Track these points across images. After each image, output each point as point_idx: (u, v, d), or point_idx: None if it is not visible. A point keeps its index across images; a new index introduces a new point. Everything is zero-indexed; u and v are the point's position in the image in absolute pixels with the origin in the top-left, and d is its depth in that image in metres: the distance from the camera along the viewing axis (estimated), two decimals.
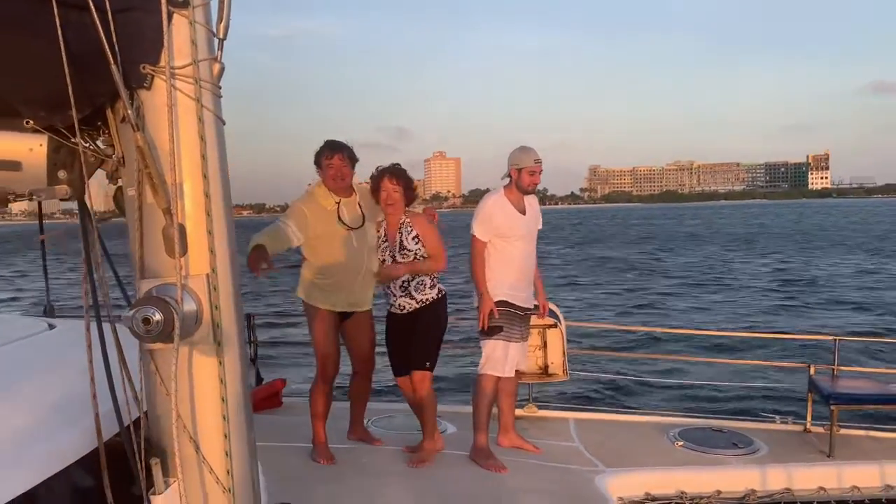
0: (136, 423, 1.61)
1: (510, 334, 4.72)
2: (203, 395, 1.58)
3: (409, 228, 4.49)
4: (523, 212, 4.78)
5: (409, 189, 4.50)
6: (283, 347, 9.74)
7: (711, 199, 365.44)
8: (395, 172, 4.50)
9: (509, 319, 4.70)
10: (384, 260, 4.49)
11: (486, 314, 4.63)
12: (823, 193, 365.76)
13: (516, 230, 4.72)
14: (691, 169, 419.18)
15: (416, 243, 4.46)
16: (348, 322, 4.56)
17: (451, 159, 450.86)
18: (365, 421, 4.96)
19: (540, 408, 5.90)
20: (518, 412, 5.80)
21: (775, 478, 4.58)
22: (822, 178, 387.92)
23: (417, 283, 4.47)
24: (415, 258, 4.44)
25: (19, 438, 1.61)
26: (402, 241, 4.46)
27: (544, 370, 5.75)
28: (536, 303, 4.99)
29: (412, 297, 4.48)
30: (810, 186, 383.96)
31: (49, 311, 4.64)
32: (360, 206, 4.53)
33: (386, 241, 4.51)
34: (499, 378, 4.74)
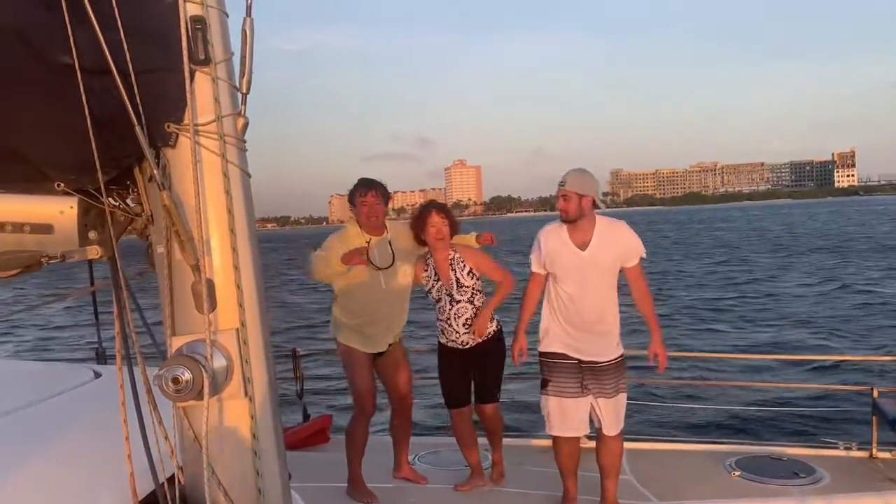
0: (171, 479, 1.60)
1: (561, 388, 4.11)
2: (236, 450, 1.57)
3: (462, 263, 4.43)
4: (583, 246, 4.07)
5: (454, 223, 4.51)
6: (330, 381, 9.76)
7: (735, 200, 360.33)
8: (441, 207, 4.51)
9: (561, 372, 4.11)
10: (439, 299, 4.43)
11: (514, 354, 4.28)
12: (850, 191, 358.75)
13: (564, 267, 4.10)
14: (715, 170, 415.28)
15: (472, 278, 4.41)
16: (383, 359, 4.55)
17: (472, 167, 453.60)
18: (410, 457, 4.92)
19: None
20: None
21: None
22: (848, 175, 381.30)
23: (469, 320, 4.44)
24: (472, 293, 4.41)
25: (56, 499, 1.61)
26: (457, 278, 4.41)
27: None
28: (622, 352, 4.22)
29: (470, 334, 4.43)
30: (836, 184, 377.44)
31: (100, 356, 4.76)
32: (391, 245, 4.49)
33: (438, 279, 4.44)
34: (567, 438, 4.14)
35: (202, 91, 1.51)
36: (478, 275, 4.45)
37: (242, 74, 1.57)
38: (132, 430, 1.57)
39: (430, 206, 4.51)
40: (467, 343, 4.42)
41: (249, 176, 1.61)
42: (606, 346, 4.12)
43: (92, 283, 2.33)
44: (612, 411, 4.13)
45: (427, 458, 5.29)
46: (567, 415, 4.09)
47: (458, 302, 4.40)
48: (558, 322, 4.11)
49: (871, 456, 5.23)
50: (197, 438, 1.54)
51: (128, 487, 1.57)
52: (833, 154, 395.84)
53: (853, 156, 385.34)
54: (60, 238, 1.55)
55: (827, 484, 4.74)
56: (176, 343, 1.53)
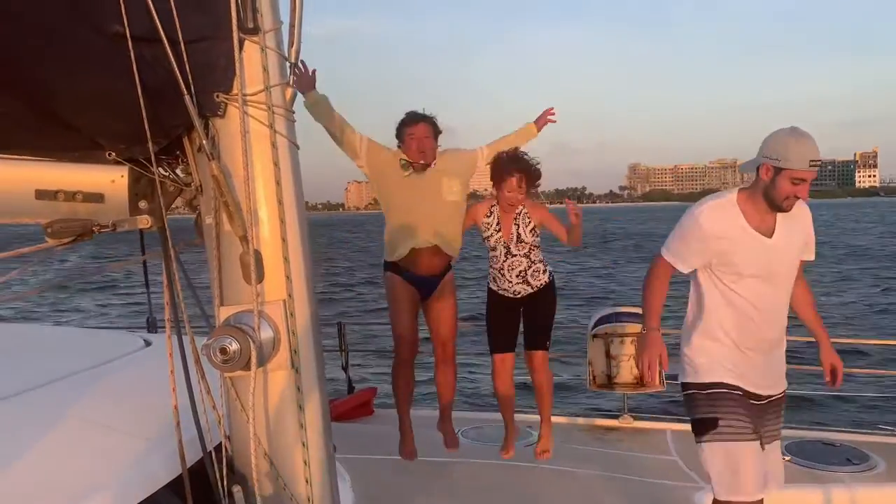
0: (219, 447, 1.62)
1: (736, 430, 3.00)
2: (282, 421, 1.58)
3: (528, 220, 4.27)
4: (769, 233, 3.00)
5: (532, 179, 4.21)
6: (375, 355, 9.84)
7: None
8: (523, 170, 4.15)
9: (734, 410, 3.02)
10: (494, 248, 4.26)
11: (651, 366, 3.01)
12: (870, 192, 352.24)
13: (746, 261, 2.97)
14: (734, 166, 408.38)
15: (533, 235, 4.27)
16: (429, 301, 4.27)
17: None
18: (455, 429, 4.89)
19: (635, 419, 5.71)
20: (612, 423, 5.66)
21: (895, 497, 4.25)
22: (869, 175, 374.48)
23: (534, 271, 4.31)
24: (530, 249, 4.28)
25: (107, 463, 1.64)
26: (519, 233, 4.27)
27: (639, 380, 5.56)
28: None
29: (528, 284, 4.32)
30: (857, 185, 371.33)
31: (151, 325, 4.85)
32: (435, 166, 4.11)
33: (499, 230, 4.27)
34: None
35: (251, 60, 1.49)
36: (539, 231, 4.30)
37: (291, 44, 1.55)
38: (180, 398, 1.59)
39: (511, 167, 4.13)
40: (519, 293, 4.33)
41: (298, 147, 1.60)
42: (781, 373, 3.22)
43: (143, 252, 2.36)
44: (780, 461, 3.31)
45: (470, 434, 5.30)
46: (748, 468, 3.01)
47: (514, 255, 4.28)
48: (726, 340, 3.05)
49: None
50: (244, 408, 1.55)
51: (175, 455, 1.59)
52: (855, 154, 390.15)
53: (875, 156, 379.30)
54: (111, 207, 1.56)
55: (882, 471, 4.60)
56: (224, 313, 1.54)
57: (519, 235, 4.27)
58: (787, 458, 4.82)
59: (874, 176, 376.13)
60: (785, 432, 5.34)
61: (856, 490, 4.34)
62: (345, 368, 6.39)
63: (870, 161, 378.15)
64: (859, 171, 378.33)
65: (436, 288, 4.23)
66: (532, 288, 4.32)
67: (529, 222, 4.26)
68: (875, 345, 12.09)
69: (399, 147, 4.09)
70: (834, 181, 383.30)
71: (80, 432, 1.77)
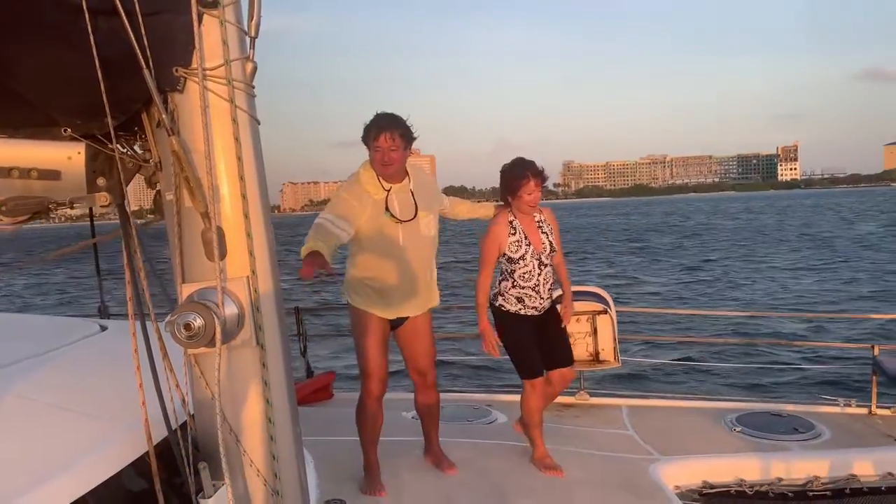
0: (185, 426, 1.61)
1: None
2: (247, 398, 1.58)
3: (549, 227, 4.16)
4: None
5: (543, 184, 4.14)
6: (333, 339, 9.82)
7: (681, 192, 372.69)
8: (539, 173, 4.08)
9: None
10: (523, 264, 4.04)
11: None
12: (792, 185, 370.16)
13: None
14: (664, 162, 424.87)
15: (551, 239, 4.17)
16: (402, 329, 3.96)
17: (426, 157, 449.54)
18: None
19: (591, 395, 5.82)
20: (569, 400, 5.75)
21: (839, 464, 4.42)
22: (791, 169, 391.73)
23: (552, 284, 4.23)
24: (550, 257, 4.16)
25: (70, 444, 1.63)
26: (550, 241, 4.13)
27: (595, 357, 5.67)
28: None
29: (550, 298, 4.23)
30: (780, 178, 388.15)
31: (103, 312, 4.75)
32: (413, 195, 3.82)
33: (530, 244, 4.07)
34: None
35: (210, 34, 1.47)
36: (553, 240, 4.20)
37: (251, 17, 1.53)
38: (144, 379, 1.57)
39: (526, 170, 4.03)
40: (541, 309, 4.17)
41: (259, 122, 1.59)
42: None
43: (93, 235, 2.30)
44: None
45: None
46: None
47: (546, 266, 4.12)
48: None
49: (870, 413, 5.28)
50: (208, 385, 1.54)
51: (138, 434, 1.58)
52: (777, 148, 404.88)
53: (796, 150, 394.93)
54: (68, 184, 1.53)
55: (827, 440, 4.79)
56: (186, 290, 1.53)
57: (551, 244, 4.13)
58: (737, 428, 4.99)
59: (795, 169, 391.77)
60: (735, 404, 5.58)
61: (802, 457, 4.51)
62: (303, 353, 6.37)
63: (791, 155, 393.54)
64: (781, 165, 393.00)
65: (409, 316, 3.96)
66: (549, 302, 4.23)
67: (549, 228, 4.16)
68: (825, 318, 12.52)
69: (369, 153, 3.76)
70: (759, 175, 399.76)
71: (40, 415, 1.75)
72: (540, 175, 4.08)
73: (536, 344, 4.15)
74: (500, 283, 4.17)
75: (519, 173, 4.06)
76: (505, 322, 4.15)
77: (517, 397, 5.14)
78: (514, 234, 4.08)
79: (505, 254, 4.09)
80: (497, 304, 4.16)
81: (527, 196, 4.03)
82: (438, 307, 4.11)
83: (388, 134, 3.67)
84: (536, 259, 4.07)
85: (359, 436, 4.01)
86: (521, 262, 4.06)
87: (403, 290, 3.83)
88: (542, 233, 4.13)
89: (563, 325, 4.27)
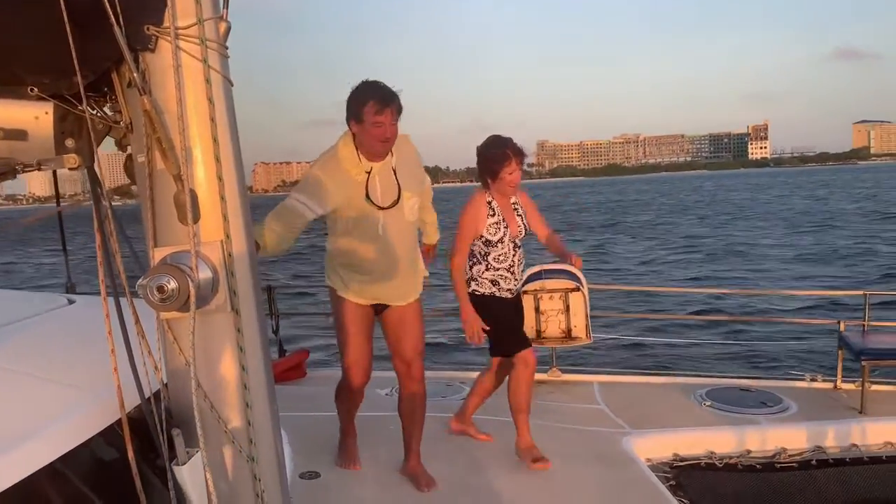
0: (158, 394, 1.59)
1: None
2: (222, 363, 1.56)
3: (522, 209, 4.09)
4: None
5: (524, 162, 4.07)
6: (306, 318, 9.77)
7: (654, 172, 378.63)
8: (520, 151, 3.97)
9: None
10: (501, 247, 3.97)
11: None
12: (762, 163, 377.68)
13: None
14: (637, 141, 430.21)
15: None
16: (388, 315, 3.68)
17: (400, 135, 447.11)
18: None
19: (563, 371, 5.88)
20: (542, 376, 5.79)
21: (806, 436, 4.53)
22: (761, 147, 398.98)
23: (524, 265, 4.22)
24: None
25: (40, 412, 1.60)
26: (526, 223, 4.09)
27: (567, 334, 5.70)
28: None
29: (521, 280, 4.24)
30: (750, 156, 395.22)
31: (70, 289, 4.66)
32: (396, 173, 3.48)
33: (507, 226, 3.99)
34: None
35: None
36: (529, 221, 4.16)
37: None
38: (115, 345, 1.54)
39: (506, 148, 3.89)
40: (514, 292, 4.17)
41: (232, 84, 1.56)
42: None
43: (58, 203, 2.23)
44: None
45: None
46: None
47: (520, 248, 4.09)
48: None
49: (835, 387, 5.40)
50: (182, 351, 1.52)
51: (108, 402, 1.55)
52: (748, 127, 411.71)
53: (766, 128, 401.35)
54: (35, 145, 1.49)
55: (794, 413, 4.89)
56: (158, 254, 1.50)
57: (526, 227, 4.08)
58: (707, 403, 5.07)
59: (765, 148, 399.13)
60: (704, 380, 5.67)
61: (770, 430, 4.61)
62: (275, 332, 6.34)
63: (761, 133, 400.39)
64: (752, 144, 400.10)
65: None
66: (521, 283, 4.20)
67: (523, 210, 4.10)
68: (794, 294, 12.74)
69: (349, 126, 3.41)
70: (730, 154, 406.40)
71: (4, 382, 1.71)
72: (520, 153, 3.96)
73: (515, 320, 4.14)
74: (471, 269, 4.04)
75: (498, 153, 3.92)
76: (482, 304, 4.02)
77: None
78: (493, 215, 3.96)
79: (482, 236, 3.96)
80: (470, 290, 4.03)
81: (508, 176, 3.90)
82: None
83: (392, 108, 3.33)
84: (512, 242, 4.01)
85: (336, 408, 3.90)
86: (498, 245, 3.96)
87: (384, 279, 3.56)
88: (518, 215, 4.05)
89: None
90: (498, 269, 4.00)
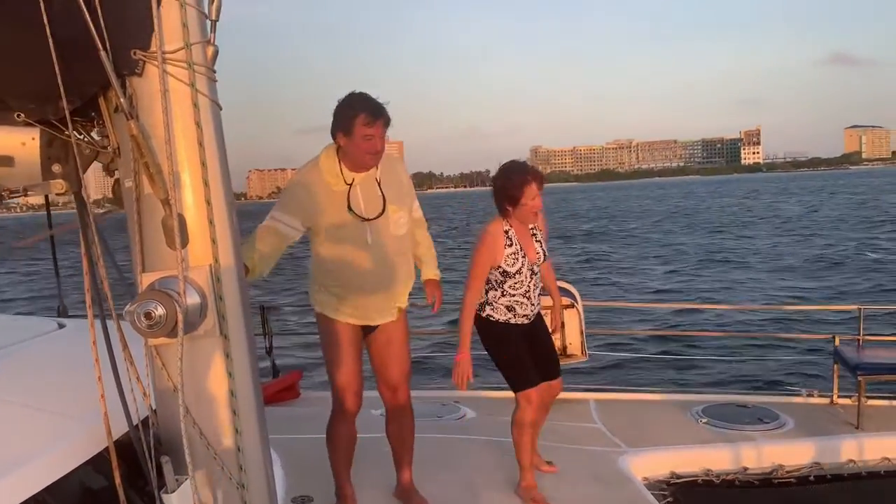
0: (146, 421, 1.57)
1: None
2: (211, 389, 1.54)
3: (541, 233, 3.92)
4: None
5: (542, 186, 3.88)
6: (300, 337, 9.73)
7: (647, 177, 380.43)
8: (540, 175, 3.79)
9: None
10: (518, 274, 3.76)
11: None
12: (754, 168, 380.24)
13: None
14: (630, 147, 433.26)
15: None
16: (374, 336, 3.56)
17: (394, 143, 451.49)
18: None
19: None
20: None
21: (803, 452, 4.50)
22: (753, 153, 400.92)
23: (541, 290, 4.01)
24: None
25: (27, 441, 1.57)
26: (544, 249, 3.92)
27: (562, 351, 5.69)
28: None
29: (539, 304, 3.99)
30: (742, 161, 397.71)
31: (62, 312, 4.62)
32: (380, 186, 3.37)
33: (525, 255, 3.79)
34: None
35: (169, 16, 1.43)
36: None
37: (212, 0, 1.50)
38: (103, 372, 1.53)
39: (526, 174, 3.72)
40: (531, 317, 3.93)
41: (220, 108, 1.55)
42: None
43: (50, 227, 2.22)
44: None
45: None
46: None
47: (536, 274, 3.88)
48: None
49: (831, 402, 5.39)
50: (170, 377, 1.50)
51: (97, 430, 1.53)
52: (741, 132, 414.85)
53: (759, 133, 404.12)
54: (22, 171, 1.48)
55: (791, 429, 4.87)
56: (146, 280, 1.48)
57: (544, 252, 3.92)
58: (703, 419, 5.05)
59: (758, 153, 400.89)
60: (701, 396, 5.65)
61: (768, 446, 4.58)
62: (269, 352, 6.30)
63: (753, 139, 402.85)
64: (744, 149, 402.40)
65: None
66: (539, 306, 4.00)
67: (542, 235, 3.94)
68: (788, 311, 12.76)
69: (335, 139, 3.32)
70: (723, 159, 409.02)
71: None
72: (540, 177, 3.79)
73: (528, 353, 3.90)
74: (486, 293, 3.87)
75: (519, 179, 3.72)
76: (494, 333, 3.87)
77: (487, 393, 5.14)
78: (510, 245, 3.77)
79: (500, 267, 3.78)
80: (484, 315, 3.86)
81: (531, 202, 3.72)
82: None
83: (382, 120, 3.24)
84: (529, 269, 3.83)
85: (330, 460, 3.69)
86: (508, 273, 3.79)
87: (372, 297, 3.42)
88: (536, 241, 3.89)
89: (550, 335, 4.09)
90: (514, 296, 3.83)
